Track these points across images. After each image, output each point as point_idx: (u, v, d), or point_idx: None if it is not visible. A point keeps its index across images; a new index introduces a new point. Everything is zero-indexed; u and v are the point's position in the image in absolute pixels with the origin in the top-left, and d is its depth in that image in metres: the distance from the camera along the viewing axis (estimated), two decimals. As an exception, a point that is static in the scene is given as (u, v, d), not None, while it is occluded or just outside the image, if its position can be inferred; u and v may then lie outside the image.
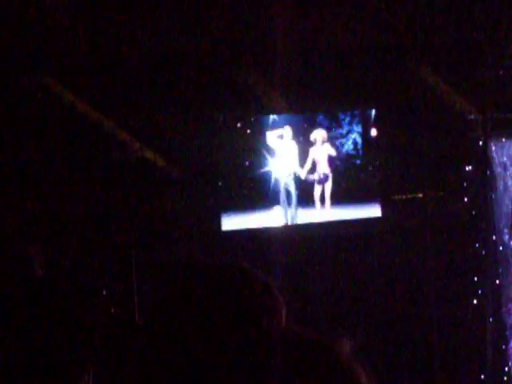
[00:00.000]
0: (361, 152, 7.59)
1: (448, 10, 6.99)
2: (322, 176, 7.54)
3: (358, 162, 7.61)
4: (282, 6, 6.87)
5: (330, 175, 7.55)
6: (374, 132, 7.57)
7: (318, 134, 7.54)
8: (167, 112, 7.36)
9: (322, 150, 7.55)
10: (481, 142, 7.49)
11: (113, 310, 2.60)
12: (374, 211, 7.52)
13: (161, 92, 7.31)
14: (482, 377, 7.36)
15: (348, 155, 7.62)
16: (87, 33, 6.86)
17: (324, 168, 7.56)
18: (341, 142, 7.58)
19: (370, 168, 7.57)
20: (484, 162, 7.45)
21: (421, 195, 7.67)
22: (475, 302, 7.44)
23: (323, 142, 7.54)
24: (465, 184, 7.58)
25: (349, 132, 7.60)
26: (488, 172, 7.45)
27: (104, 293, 2.82)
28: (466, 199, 7.58)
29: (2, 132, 7.13)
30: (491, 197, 7.44)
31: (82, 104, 7.29)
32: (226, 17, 6.90)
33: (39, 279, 2.55)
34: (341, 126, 7.60)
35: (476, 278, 7.46)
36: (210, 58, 7.26)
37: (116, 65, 7.19)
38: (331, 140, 7.57)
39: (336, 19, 7.01)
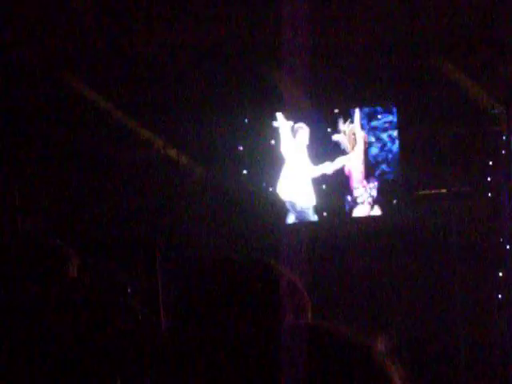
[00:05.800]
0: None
1: (470, 2, 6.96)
2: (362, 198, 7.34)
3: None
4: (302, 4, 6.87)
5: (371, 196, 7.38)
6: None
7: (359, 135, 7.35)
8: (190, 110, 7.38)
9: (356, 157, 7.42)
10: (504, 137, 7.45)
11: (140, 317, 2.60)
12: (393, 206, 7.49)
13: (183, 90, 7.33)
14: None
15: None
16: (110, 31, 6.89)
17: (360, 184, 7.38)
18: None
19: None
20: (507, 156, 7.41)
21: (444, 190, 7.64)
22: (500, 296, 7.40)
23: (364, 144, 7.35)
24: (488, 179, 7.55)
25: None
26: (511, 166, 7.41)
27: (129, 290, 2.82)
28: (489, 194, 7.55)
29: (29, 133, 7.18)
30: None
31: (105, 102, 7.32)
32: (245, 14, 6.91)
33: (73, 280, 2.55)
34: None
35: (501, 273, 7.42)
36: (231, 56, 7.26)
37: (139, 63, 7.21)
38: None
39: (358, 15, 7.00)
